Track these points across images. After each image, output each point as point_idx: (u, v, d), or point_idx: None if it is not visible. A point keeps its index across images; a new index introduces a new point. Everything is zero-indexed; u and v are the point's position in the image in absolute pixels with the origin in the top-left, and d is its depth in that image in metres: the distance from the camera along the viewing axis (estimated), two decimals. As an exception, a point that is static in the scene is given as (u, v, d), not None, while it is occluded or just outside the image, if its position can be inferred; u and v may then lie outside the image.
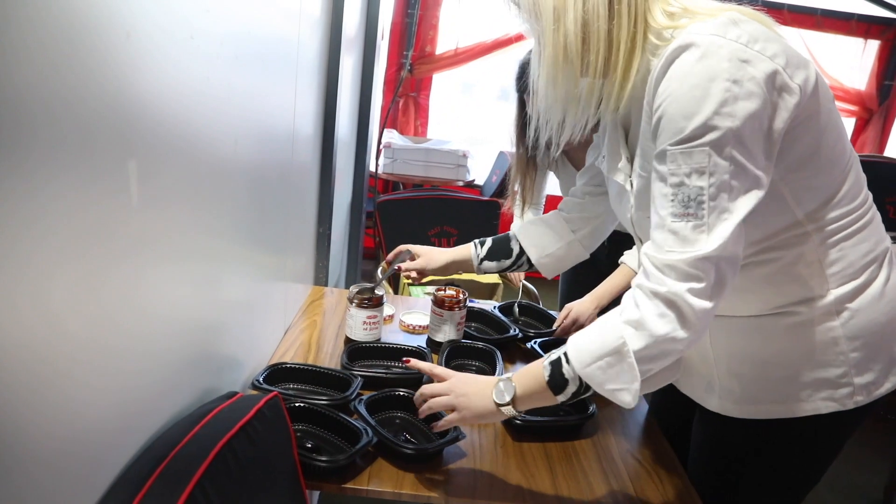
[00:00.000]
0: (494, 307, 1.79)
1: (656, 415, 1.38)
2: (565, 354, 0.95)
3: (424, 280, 1.63)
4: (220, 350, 1.13)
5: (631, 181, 1.02)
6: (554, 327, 1.67)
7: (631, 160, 1.03)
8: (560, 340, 1.63)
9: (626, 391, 0.91)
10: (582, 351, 0.93)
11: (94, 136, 0.64)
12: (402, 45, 4.04)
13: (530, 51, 1.38)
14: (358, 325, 1.49)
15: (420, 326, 1.68)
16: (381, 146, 3.66)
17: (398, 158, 3.66)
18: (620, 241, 1.78)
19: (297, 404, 1.16)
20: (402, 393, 1.23)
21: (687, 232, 0.85)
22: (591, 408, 1.29)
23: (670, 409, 1.32)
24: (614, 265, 1.80)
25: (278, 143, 1.38)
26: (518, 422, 1.23)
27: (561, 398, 0.96)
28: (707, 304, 0.85)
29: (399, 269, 1.45)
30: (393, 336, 1.64)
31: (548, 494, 1.09)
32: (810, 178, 0.91)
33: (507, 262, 1.36)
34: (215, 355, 1.11)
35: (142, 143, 0.73)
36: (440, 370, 1.09)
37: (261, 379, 1.23)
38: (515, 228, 1.38)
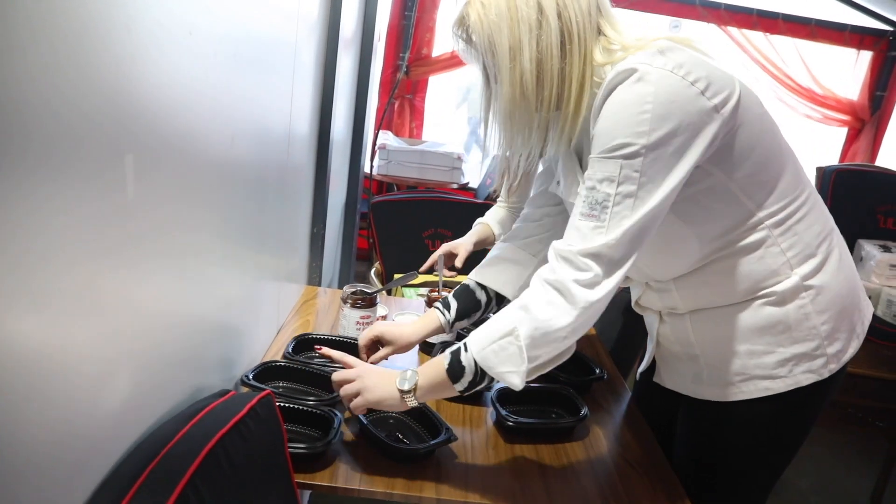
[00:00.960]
0: None
1: (643, 413, 1.39)
2: (465, 343, 1.02)
3: (416, 282, 1.65)
4: (212, 348, 1.13)
5: None
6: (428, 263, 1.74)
7: None
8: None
9: (515, 373, 0.97)
10: (479, 336, 1.00)
11: (91, 131, 0.64)
12: (399, 47, 4.04)
13: None
14: (351, 325, 1.49)
15: (413, 328, 1.68)
16: (377, 147, 3.67)
17: (393, 160, 3.67)
18: None
19: (285, 405, 1.16)
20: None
21: (587, 230, 0.94)
22: (584, 410, 1.30)
23: (657, 406, 1.35)
24: None
25: (274, 142, 1.38)
26: (510, 423, 1.23)
27: (458, 387, 1.02)
28: (590, 295, 0.93)
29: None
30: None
31: (538, 494, 1.09)
32: (754, 174, 1.00)
33: (479, 313, 1.32)
34: (208, 353, 1.11)
35: (138, 139, 0.74)
36: (350, 359, 1.14)
37: (250, 375, 1.23)
38: (471, 279, 1.33)
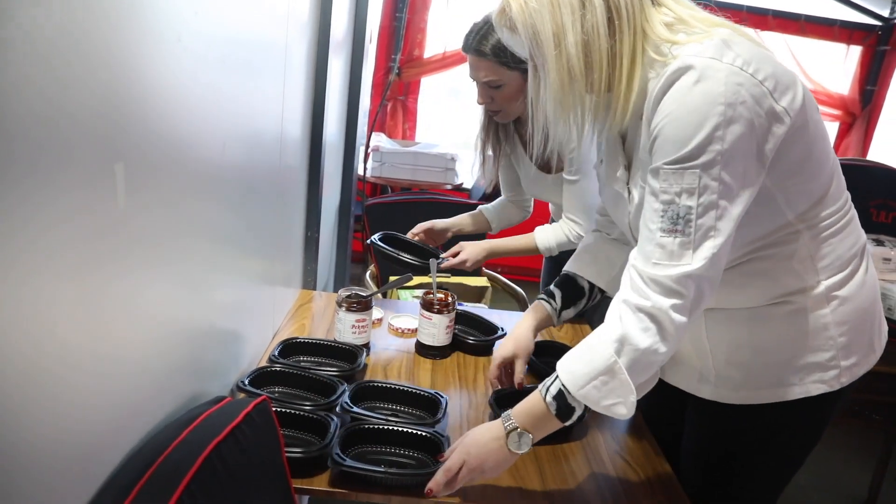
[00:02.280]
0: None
1: (645, 413, 1.39)
2: (561, 384, 0.98)
3: (411, 284, 1.65)
4: (208, 354, 1.13)
5: (629, 188, 1.05)
6: (441, 258, 1.76)
7: (628, 168, 1.06)
8: (550, 347, 1.64)
9: (622, 404, 0.95)
10: (575, 375, 0.97)
11: (80, 141, 0.63)
12: (391, 48, 4.04)
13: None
14: (347, 328, 1.49)
15: (409, 330, 1.68)
16: (370, 150, 3.66)
17: (386, 162, 3.67)
18: None
19: (281, 410, 1.15)
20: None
21: (674, 247, 0.89)
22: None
23: (661, 405, 1.33)
24: None
25: (266, 146, 1.37)
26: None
27: (568, 423, 1.00)
28: (684, 320, 0.91)
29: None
30: (382, 339, 1.64)
31: (537, 495, 1.09)
32: (802, 183, 0.96)
33: (584, 300, 1.32)
34: (203, 359, 1.10)
35: (128, 146, 0.73)
36: (448, 463, 1.02)
37: (246, 381, 1.22)
38: (566, 270, 1.34)
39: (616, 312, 0.95)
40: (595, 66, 0.94)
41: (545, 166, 1.73)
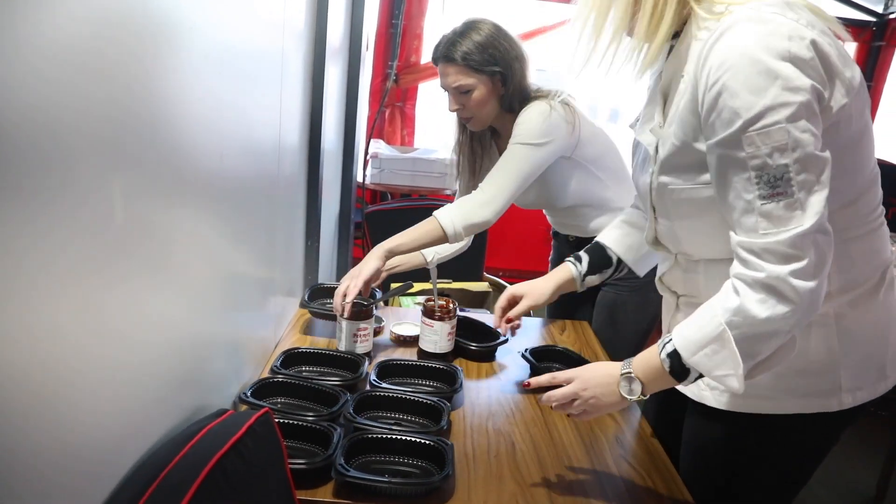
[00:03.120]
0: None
1: (649, 417, 1.38)
2: (675, 348, 0.96)
3: (412, 291, 1.64)
4: (209, 366, 1.12)
5: (657, 147, 1.02)
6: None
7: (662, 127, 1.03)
8: (552, 351, 1.63)
9: (733, 377, 0.91)
10: (687, 340, 0.94)
11: (79, 153, 0.63)
12: (387, 55, 4.04)
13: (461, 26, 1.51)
14: (348, 337, 1.48)
15: (410, 337, 1.67)
16: (368, 156, 3.66)
17: (385, 168, 3.66)
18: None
19: (283, 421, 1.14)
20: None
21: (780, 212, 0.84)
22: None
23: (665, 411, 1.32)
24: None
25: (264, 156, 1.37)
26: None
27: (685, 383, 0.98)
28: (811, 284, 0.84)
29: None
30: (384, 347, 1.63)
31: (542, 501, 1.08)
32: (840, 175, 0.89)
33: (610, 270, 1.34)
34: (205, 372, 1.10)
35: (126, 159, 0.73)
36: (563, 375, 1.08)
37: (248, 392, 1.22)
38: (603, 238, 1.35)
39: (731, 286, 0.90)
40: (642, 9, 0.91)
41: None
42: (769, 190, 0.84)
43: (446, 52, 1.57)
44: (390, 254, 1.53)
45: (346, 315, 1.47)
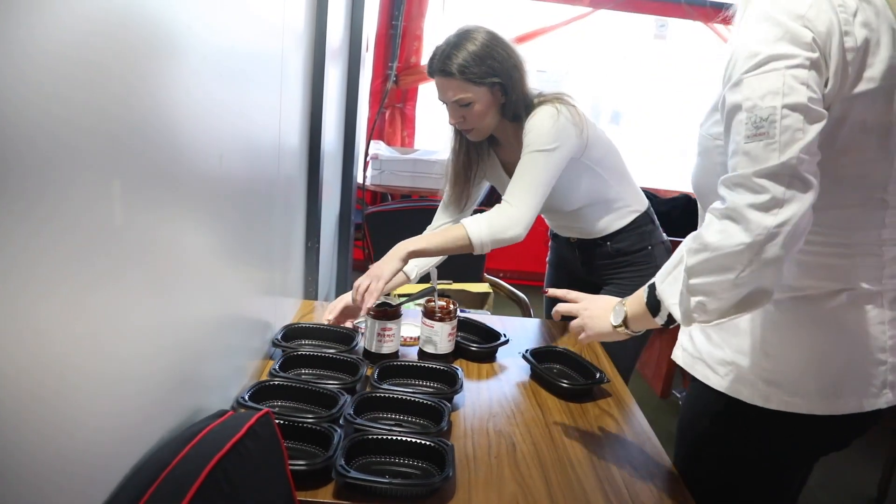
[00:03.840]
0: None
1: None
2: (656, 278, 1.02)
3: (401, 290, 1.63)
4: (209, 368, 1.12)
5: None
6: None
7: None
8: (552, 352, 1.63)
9: (676, 306, 0.95)
10: (661, 271, 1.02)
11: (77, 156, 0.63)
12: (387, 56, 4.04)
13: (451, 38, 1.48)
14: (373, 335, 1.49)
15: (411, 338, 1.67)
16: (369, 158, 3.66)
17: (385, 170, 3.66)
18: (589, 248, 1.79)
19: (284, 423, 1.14)
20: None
21: (759, 151, 0.85)
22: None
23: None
24: (589, 272, 1.81)
25: (264, 157, 1.37)
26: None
27: (658, 320, 1.03)
28: (767, 219, 0.84)
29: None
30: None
31: (542, 502, 1.08)
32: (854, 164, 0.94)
33: None
34: (204, 374, 1.10)
35: (125, 162, 0.73)
36: (574, 294, 1.22)
37: (246, 396, 1.21)
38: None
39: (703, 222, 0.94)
40: None
41: None
42: (754, 130, 0.85)
43: (442, 66, 1.51)
44: (413, 255, 1.51)
45: (369, 313, 1.49)
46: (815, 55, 0.85)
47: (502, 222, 1.50)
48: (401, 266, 1.49)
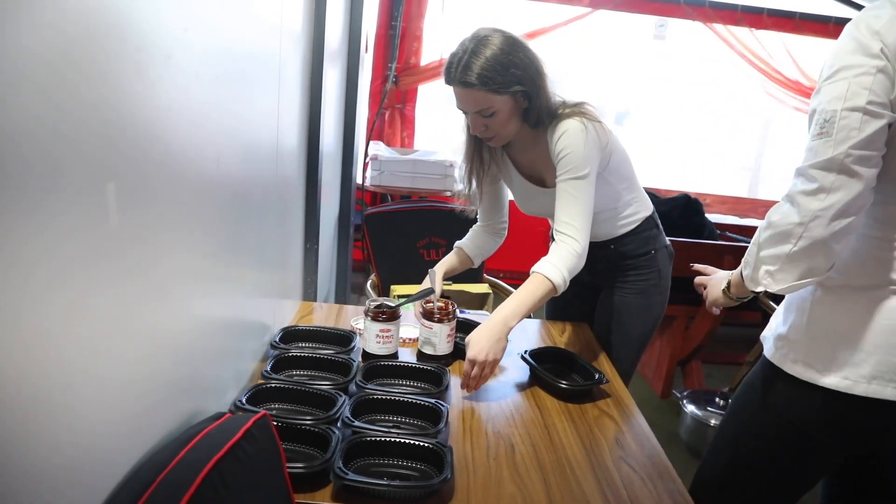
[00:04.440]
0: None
1: None
2: None
3: (400, 291, 1.62)
4: (206, 371, 1.12)
5: None
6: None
7: None
8: (551, 353, 1.63)
9: (748, 272, 1.16)
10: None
11: (71, 160, 0.63)
12: (387, 57, 4.04)
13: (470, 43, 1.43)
14: (371, 337, 1.49)
15: (410, 339, 1.67)
16: (368, 159, 3.66)
17: (385, 170, 3.66)
18: (592, 251, 1.76)
19: (282, 425, 1.14)
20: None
21: (819, 147, 1.00)
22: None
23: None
24: (591, 274, 1.80)
25: (262, 159, 1.37)
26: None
27: (748, 283, 1.17)
28: (814, 203, 1.01)
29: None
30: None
31: (541, 503, 1.08)
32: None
33: None
34: (202, 376, 1.10)
35: (120, 165, 0.73)
36: (710, 269, 1.42)
37: (243, 399, 1.21)
38: None
39: None
40: None
41: (539, 181, 1.67)
42: (818, 129, 1.00)
43: (462, 77, 1.42)
44: (513, 322, 1.44)
45: (368, 315, 1.50)
46: (883, 63, 0.96)
47: (574, 261, 1.48)
48: (505, 345, 1.44)
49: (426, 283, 1.68)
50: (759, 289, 1.13)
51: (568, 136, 1.48)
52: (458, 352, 1.60)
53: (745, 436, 1.27)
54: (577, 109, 1.53)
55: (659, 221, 1.80)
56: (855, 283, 1.09)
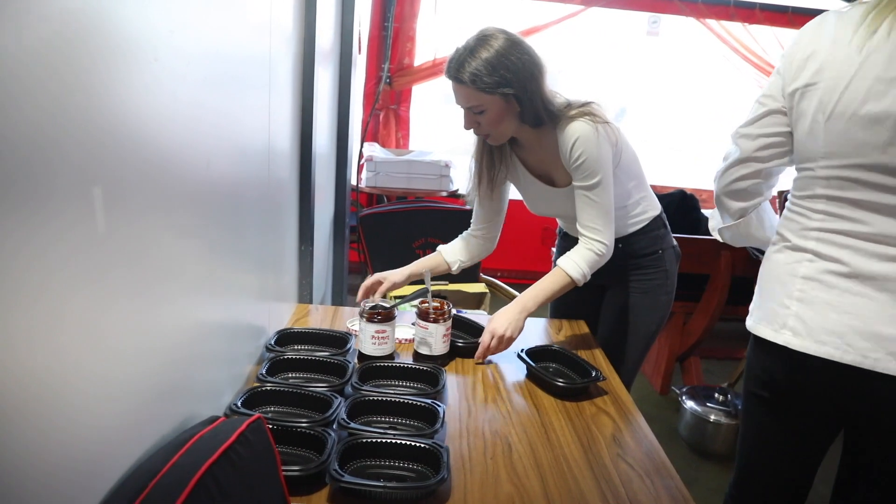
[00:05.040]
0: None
1: None
2: None
3: (395, 293, 1.63)
4: (201, 375, 1.11)
5: None
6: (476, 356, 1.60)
7: None
8: (548, 351, 1.62)
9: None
10: None
11: (57, 165, 0.62)
12: (381, 58, 4.04)
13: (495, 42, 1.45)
14: (367, 338, 1.48)
15: (406, 340, 1.66)
16: (363, 160, 3.66)
17: (380, 171, 3.65)
18: None
19: (277, 427, 1.13)
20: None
21: None
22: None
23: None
24: (597, 273, 1.79)
25: (254, 161, 1.36)
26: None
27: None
28: (719, 166, 1.31)
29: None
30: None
31: (539, 501, 1.07)
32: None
33: None
34: (196, 380, 1.09)
35: (107, 169, 0.72)
36: None
37: (238, 403, 1.20)
38: None
39: None
40: None
41: (549, 181, 1.67)
42: None
43: (455, 74, 1.47)
44: (532, 306, 1.61)
45: (363, 316, 1.49)
46: (778, 65, 1.19)
47: (596, 260, 1.59)
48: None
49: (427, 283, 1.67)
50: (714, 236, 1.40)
51: (581, 143, 1.49)
52: (455, 351, 1.59)
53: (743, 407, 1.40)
54: (584, 110, 1.52)
55: (666, 221, 1.80)
56: (776, 244, 1.27)
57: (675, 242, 1.81)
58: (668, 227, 1.80)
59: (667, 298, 1.78)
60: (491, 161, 1.68)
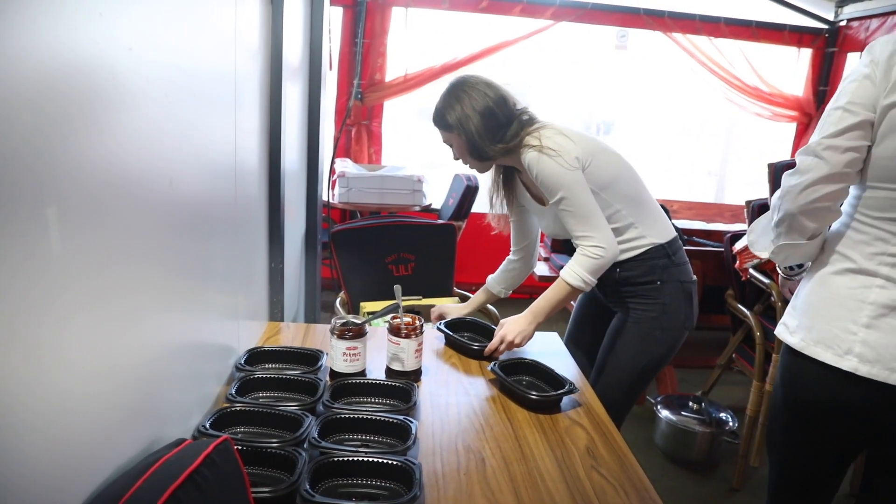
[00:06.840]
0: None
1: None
2: None
3: (367, 308, 1.63)
4: (166, 396, 1.09)
5: None
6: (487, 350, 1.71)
7: None
8: (521, 364, 1.62)
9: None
10: None
11: (6, 186, 0.61)
12: (352, 73, 4.04)
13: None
14: (338, 355, 1.47)
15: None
16: (335, 176, 3.64)
17: (353, 187, 3.64)
18: (601, 276, 1.76)
19: (245, 448, 1.11)
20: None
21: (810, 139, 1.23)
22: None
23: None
24: (602, 293, 1.80)
25: (220, 178, 1.34)
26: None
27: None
28: (789, 181, 1.21)
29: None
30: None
31: (514, 520, 1.06)
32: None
33: None
34: (162, 402, 1.07)
35: (62, 190, 0.70)
36: None
37: (207, 424, 1.18)
38: None
39: None
40: None
41: (541, 201, 1.77)
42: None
43: (432, 115, 1.72)
44: (541, 318, 1.70)
45: (333, 333, 1.48)
46: (868, 71, 1.11)
47: (592, 263, 1.62)
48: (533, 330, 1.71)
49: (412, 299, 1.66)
50: (759, 253, 1.36)
51: (533, 168, 1.63)
52: (426, 369, 1.58)
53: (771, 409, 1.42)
54: (528, 141, 1.63)
55: (676, 254, 1.72)
56: (835, 263, 1.23)
57: (685, 278, 1.72)
58: (681, 262, 1.73)
59: (661, 335, 1.71)
60: (497, 186, 1.87)
